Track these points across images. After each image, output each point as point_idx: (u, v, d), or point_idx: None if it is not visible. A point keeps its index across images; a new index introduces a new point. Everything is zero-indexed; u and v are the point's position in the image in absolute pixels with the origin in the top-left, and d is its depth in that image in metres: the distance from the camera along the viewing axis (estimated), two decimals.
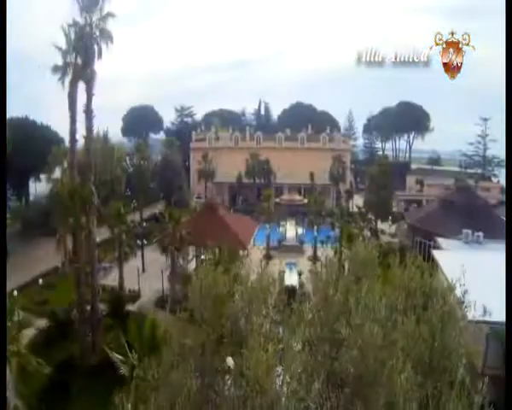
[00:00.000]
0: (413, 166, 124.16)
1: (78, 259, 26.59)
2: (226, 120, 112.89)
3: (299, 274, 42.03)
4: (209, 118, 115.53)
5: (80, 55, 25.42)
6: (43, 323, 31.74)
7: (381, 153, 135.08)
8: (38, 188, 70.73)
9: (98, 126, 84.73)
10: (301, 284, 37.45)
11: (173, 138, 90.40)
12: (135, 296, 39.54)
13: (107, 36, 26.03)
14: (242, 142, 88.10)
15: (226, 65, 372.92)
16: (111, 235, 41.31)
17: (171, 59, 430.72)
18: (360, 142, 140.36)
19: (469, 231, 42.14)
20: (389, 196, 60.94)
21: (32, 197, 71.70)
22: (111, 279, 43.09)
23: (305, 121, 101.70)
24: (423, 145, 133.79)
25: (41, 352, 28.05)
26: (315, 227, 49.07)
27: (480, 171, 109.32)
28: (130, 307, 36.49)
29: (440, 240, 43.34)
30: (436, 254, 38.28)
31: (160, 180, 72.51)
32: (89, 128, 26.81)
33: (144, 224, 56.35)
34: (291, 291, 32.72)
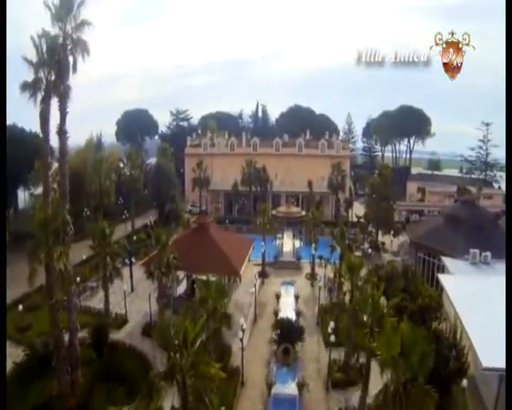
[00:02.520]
0: (413, 171, 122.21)
1: (52, 294, 24.08)
2: (223, 122, 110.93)
3: (296, 297, 39.58)
4: (205, 121, 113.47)
5: (53, 68, 22.83)
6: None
7: (380, 156, 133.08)
8: (28, 196, 68.76)
9: (92, 131, 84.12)
10: (298, 313, 34.95)
11: (167, 145, 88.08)
12: (121, 321, 37.04)
13: (82, 46, 23.41)
14: (239, 148, 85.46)
15: (223, 65, 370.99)
16: (96, 255, 38.81)
17: (167, 59, 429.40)
18: (359, 145, 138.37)
19: (477, 251, 39.69)
20: (390, 208, 58.53)
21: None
22: (97, 300, 40.67)
23: (304, 124, 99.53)
24: (423, 146, 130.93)
25: (17, 392, 25.92)
26: (313, 245, 46.55)
27: (481, 176, 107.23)
28: (116, 335, 34.08)
29: (446, 260, 40.98)
30: (442, 279, 35.97)
31: (153, 190, 70.19)
32: (63, 151, 24.17)
33: (135, 237, 53.82)
34: (286, 328, 30.58)
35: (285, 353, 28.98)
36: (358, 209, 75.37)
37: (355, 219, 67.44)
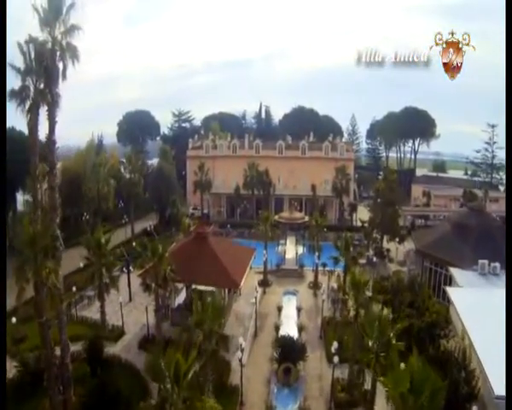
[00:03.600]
0: (418, 172, 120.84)
1: (42, 313, 22.90)
2: (226, 123, 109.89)
3: (299, 310, 38.26)
4: (208, 121, 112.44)
5: (41, 76, 21.60)
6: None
7: (384, 158, 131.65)
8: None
9: (93, 132, 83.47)
10: (300, 328, 33.58)
11: (168, 147, 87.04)
12: (118, 333, 35.79)
13: (72, 52, 22.13)
14: (241, 150, 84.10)
15: (225, 65, 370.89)
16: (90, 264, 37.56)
17: (170, 59, 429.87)
18: (363, 146, 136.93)
19: (485, 262, 38.43)
20: (396, 213, 57.09)
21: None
22: (94, 310, 39.21)
23: (307, 126, 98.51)
24: (427, 147, 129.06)
25: None
26: (316, 254, 45.23)
27: (487, 179, 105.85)
28: (112, 349, 32.92)
29: (453, 270, 39.68)
30: (450, 292, 34.73)
31: (153, 194, 69.04)
32: (52, 162, 22.98)
33: (134, 243, 52.54)
34: (288, 346, 29.25)
35: (286, 372, 27.63)
36: (363, 213, 74.11)
37: (359, 224, 66.31)
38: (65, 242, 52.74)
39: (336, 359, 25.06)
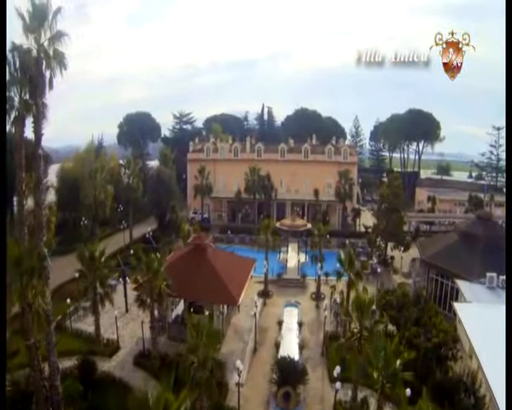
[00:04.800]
0: (422, 174, 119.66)
1: (29, 335, 21.68)
2: (228, 125, 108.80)
3: (300, 325, 36.89)
4: (210, 123, 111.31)
5: (26, 85, 20.34)
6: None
7: (387, 160, 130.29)
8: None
9: (93, 134, 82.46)
10: (301, 346, 32.19)
11: (168, 151, 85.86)
12: (113, 348, 34.49)
13: (59, 60, 20.82)
14: (242, 153, 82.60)
15: (229, 66, 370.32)
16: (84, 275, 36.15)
17: (174, 60, 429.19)
18: (366, 148, 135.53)
19: (494, 275, 37.00)
20: (401, 220, 55.62)
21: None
22: (90, 322, 37.82)
23: (310, 128, 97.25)
24: (431, 149, 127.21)
25: None
26: (319, 265, 43.88)
27: (492, 182, 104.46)
28: (106, 365, 31.73)
29: (460, 283, 38.31)
30: (458, 308, 33.39)
31: (152, 199, 67.72)
32: (39, 178, 21.77)
33: (132, 251, 51.33)
34: (288, 369, 27.85)
35: (285, 397, 26.22)
36: (366, 217, 72.88)
37: (363, 229, 65.20)
38: (62, 248, 51.36)
39: (339, 385, 23.72)
